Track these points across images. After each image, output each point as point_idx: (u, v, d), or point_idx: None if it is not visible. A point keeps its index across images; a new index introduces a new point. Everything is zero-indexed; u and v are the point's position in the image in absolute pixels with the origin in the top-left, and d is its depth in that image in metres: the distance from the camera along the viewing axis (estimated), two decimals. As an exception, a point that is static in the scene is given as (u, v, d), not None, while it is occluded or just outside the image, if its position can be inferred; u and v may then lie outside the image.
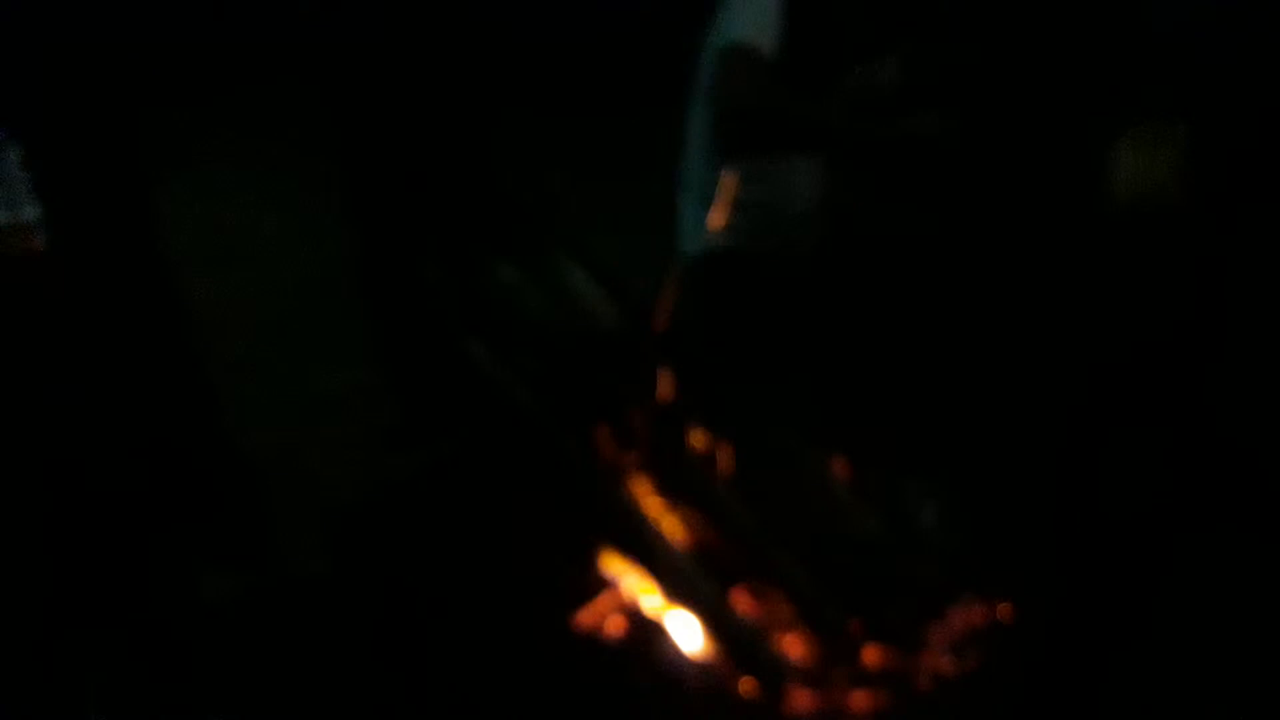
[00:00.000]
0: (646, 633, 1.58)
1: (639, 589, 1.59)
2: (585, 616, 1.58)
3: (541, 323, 1.68)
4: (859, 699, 1.54)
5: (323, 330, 1.95)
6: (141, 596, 1.82)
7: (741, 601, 1.58)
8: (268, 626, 1.83)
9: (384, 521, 1.78)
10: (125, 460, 1.76)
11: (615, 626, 1.57)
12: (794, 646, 1.57)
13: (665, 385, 1.63)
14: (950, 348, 1.78)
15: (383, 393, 1.98)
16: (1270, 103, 1.81)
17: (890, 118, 1.85)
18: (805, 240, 1.95)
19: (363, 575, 1.77)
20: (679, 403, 1.64)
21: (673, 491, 1.59)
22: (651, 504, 1.59)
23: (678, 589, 1.57)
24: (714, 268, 1.93)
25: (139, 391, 1.81)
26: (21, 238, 1.64)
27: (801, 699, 1.53)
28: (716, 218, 1.90)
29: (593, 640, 1.58)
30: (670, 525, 1.58)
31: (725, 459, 1.62)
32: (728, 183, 1.91)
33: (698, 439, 1.62)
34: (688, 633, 1.57)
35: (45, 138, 1.67)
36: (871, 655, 1.56)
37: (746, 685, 1.54)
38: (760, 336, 1.84)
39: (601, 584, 1.60)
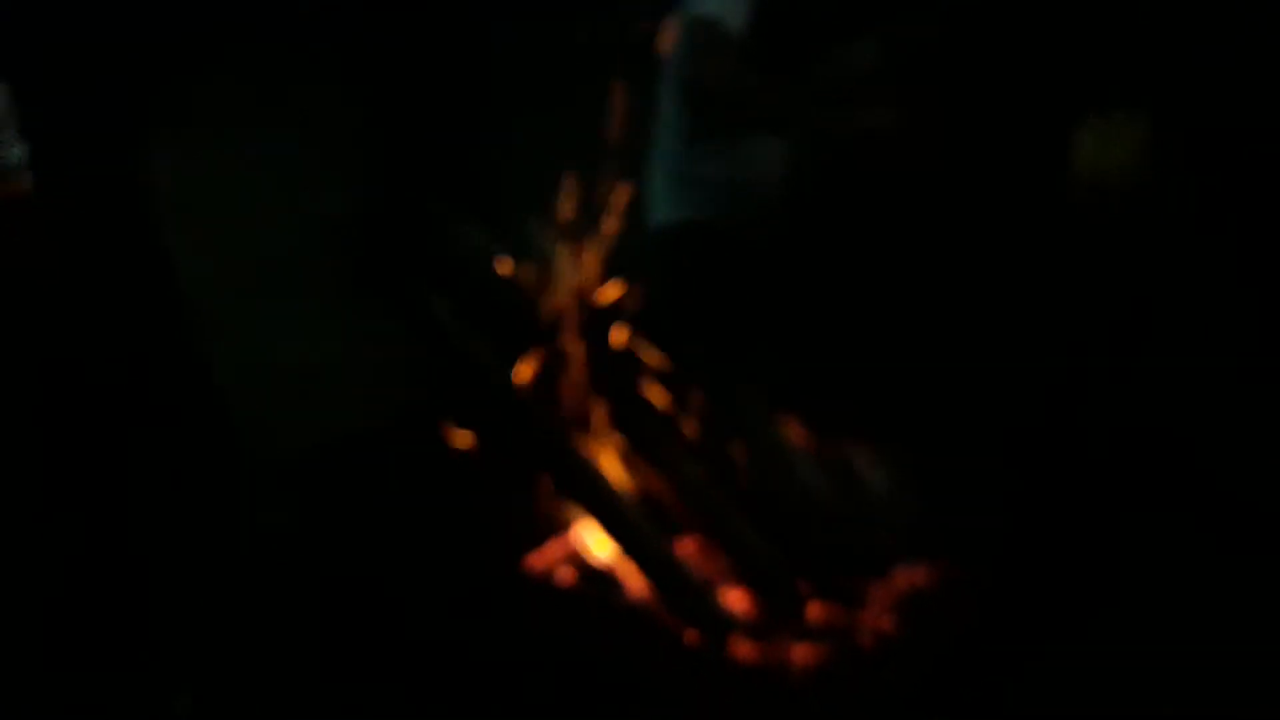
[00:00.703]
0: (594, 581, 1.60)
1: (588, 537, 1.61)
2: (536, 561, 1.61)
3: (507, 286, 1.71)
4: (800, 652, 1.56)
5: (310, 289, 1.97)
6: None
7: (688, 554, 1.61)
8: (230, 579, 1.85)
9: (346, 472, 1.81)
10: (102, 401, 1.79)
11: (565, 574, 1.60)
12: (739, 601, 1.59)
13: (626, 345, 1.66)
14: (911, 323, 1.80)
15: (361, 352, 2.00)
16: (1242, 96, 1.83)
17: (849, 110, 1.87)
18: (771, 216, 1.98)
19: (323, 525, 1.80)
20: (640, 363, 1.66)
21: (627, 444, 1.62)
22: (603, 454, 1.61)
23: (625, 538, 1.59)
24: (681, 240, 1.96)
25: (116, 340, 1.83)
26: (5, 180, 1.67)
27: (744, 650, 1.56)
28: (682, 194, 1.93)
29: (544, 586, 1.60)
30: (621, 476, 1.61)
31: (682, 416, 1.64)
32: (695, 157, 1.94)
33: (656, 395, 1.64)
34: (634, 582, 1.59)
35: (35, 77, 1.69)
36: (815, 612, 1.58)
37: (690, 635, 1.57)
38: (726, 306, 1.87)
39: (551, 530, 1.63)
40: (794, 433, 1.63)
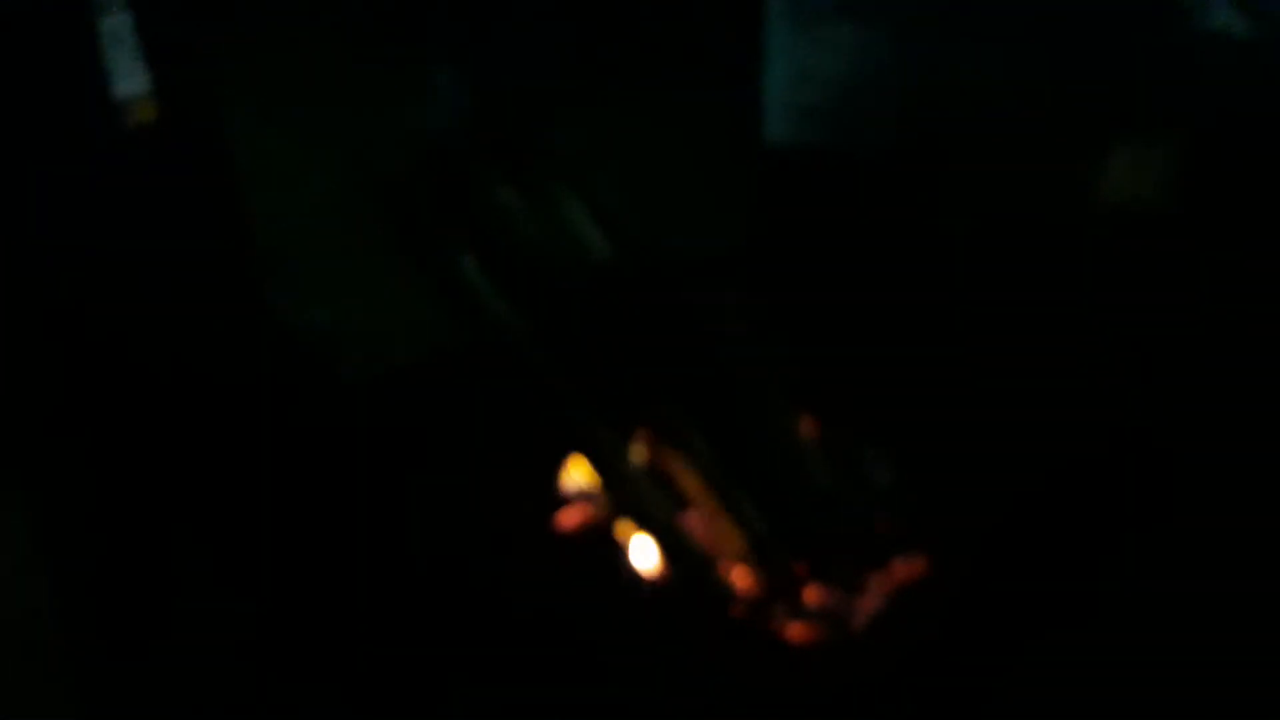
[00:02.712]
0: (606, 546, 1.68)
1: (600, 503, 1.68)
2: (565, 519, 1.68)
3: (535, 250, 1.77)
4: (796, 630, 1.64)
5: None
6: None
7: (695, 529, 1.67)
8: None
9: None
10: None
11: (585, 531, 1.67)
12: (740, 577, 1.66)
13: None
14: (929, 322, 1.85)
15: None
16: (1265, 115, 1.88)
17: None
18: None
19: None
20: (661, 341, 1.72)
21: (640, 421, 1.69)
22: (619, 429, 1.68)
23: (635, 507, 1.66)
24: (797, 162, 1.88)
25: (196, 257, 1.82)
26: (142, 108, 1.72)
27: (742, 623, 1.63)
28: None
29: (568, 544, 1.67)
30: (634, 448, 1.68)
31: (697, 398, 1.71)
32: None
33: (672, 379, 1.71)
34: (643, 550, 1.67)
35: (159, 12, 1.72)
36: (812, 594, 1.65)
37: (693, 605, 1.64)
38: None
39: (567, 495, 1.70)
40: (805, 422, 1.70)
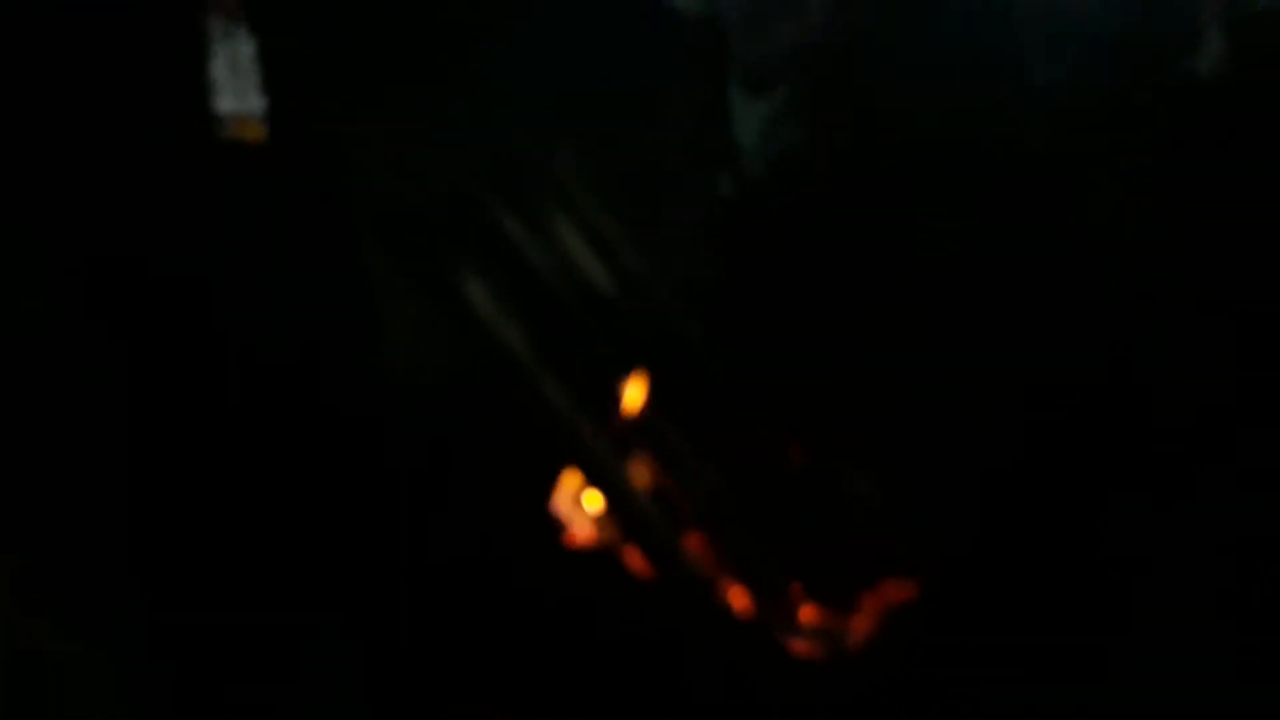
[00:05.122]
0: (608, 565, 1.73)
1: (600, 522, 1.74)
2: (568, 540, 1.73)
3: (539, 277, 1.81)
4: (792, 648, 1.69)
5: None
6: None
7: (693, 549, 1.73)
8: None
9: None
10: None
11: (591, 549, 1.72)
12: (738, 598, 1.72)
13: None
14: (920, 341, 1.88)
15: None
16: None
17: None
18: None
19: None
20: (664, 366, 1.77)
21: (642, 444, 1.74)
22: (621, 450, 1.73)
23: (635, 527, 1.71)
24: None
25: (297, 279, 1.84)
26: (246, 126, 1.77)
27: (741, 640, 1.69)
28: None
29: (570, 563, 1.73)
30: (636, 470, 1.73)
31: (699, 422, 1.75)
32: None
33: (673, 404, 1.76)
34: (641, 568, 1.72)
35: (281, 36, 1.77)
36: (808, 614, 1.71)
37: (689, 624, 1.70)
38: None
39: (569, 516, 1.75)
40: (795, 448, 1.74)
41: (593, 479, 1.74)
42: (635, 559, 1.73)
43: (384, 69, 1.90)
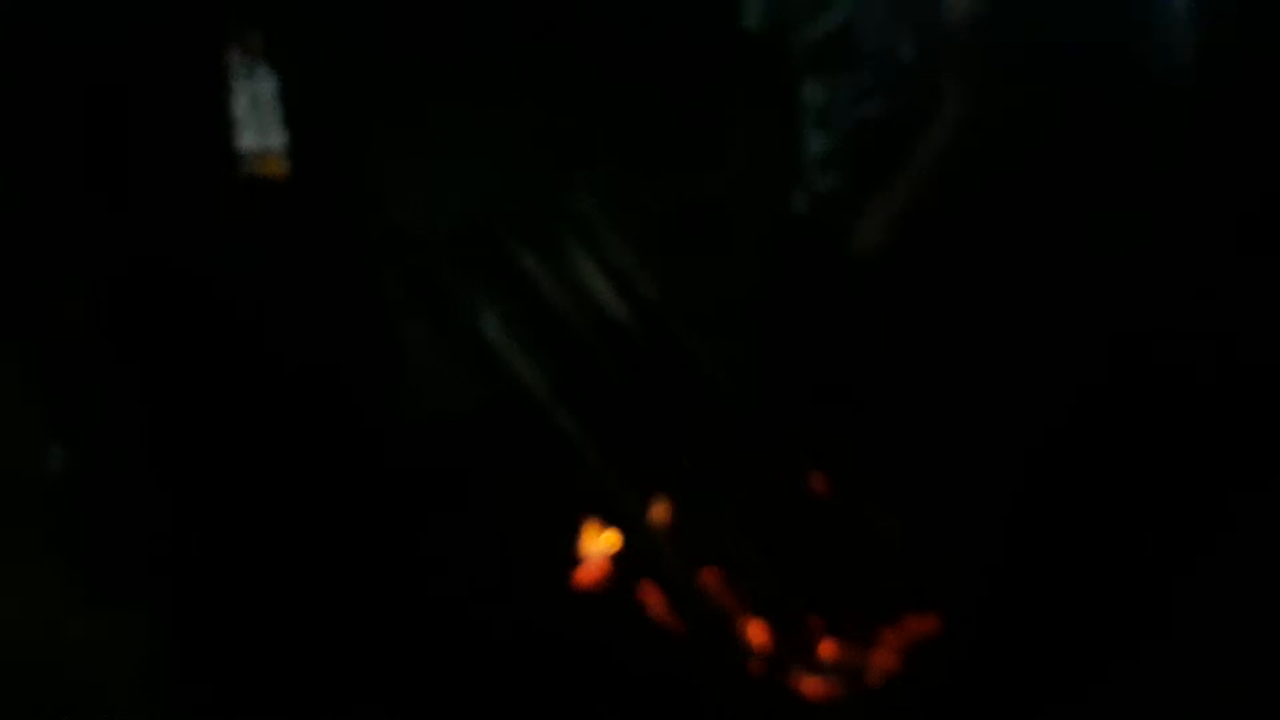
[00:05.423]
0: (624, 602, 1.71)
1: (619, 560, 1.72)
2: (582, 576, 1.71)
3: (553, 309, 1.80)
4: (811, 685, 1.66)
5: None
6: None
7: (712, 586, 1.71)
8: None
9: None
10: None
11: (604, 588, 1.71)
12: (756, 633, 1.69)
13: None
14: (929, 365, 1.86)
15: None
16: None
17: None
18: None
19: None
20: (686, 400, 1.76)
21: (660, 480, 1.72)
22: (639, 488, 1.72)
23: (654, 565, 1.70)
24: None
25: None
26: (268, 162, 1.77)
27: (758, 679, 1.66)
28: None
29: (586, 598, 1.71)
30: (654, 508, 1.71)
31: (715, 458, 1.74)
32: None
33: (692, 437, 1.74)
34: (659, 606, 1.70)
35: (300, 74, 1.77)
36: (827, 649, 1.68)
37: (710, 661, 1.67)
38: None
39: (586, 553, 1.73)
40: (816, 480, 1.73)
41: (610, 517, 1.73)
42: (653, 596, 1.71)
43: (405, 101, 1.90)
